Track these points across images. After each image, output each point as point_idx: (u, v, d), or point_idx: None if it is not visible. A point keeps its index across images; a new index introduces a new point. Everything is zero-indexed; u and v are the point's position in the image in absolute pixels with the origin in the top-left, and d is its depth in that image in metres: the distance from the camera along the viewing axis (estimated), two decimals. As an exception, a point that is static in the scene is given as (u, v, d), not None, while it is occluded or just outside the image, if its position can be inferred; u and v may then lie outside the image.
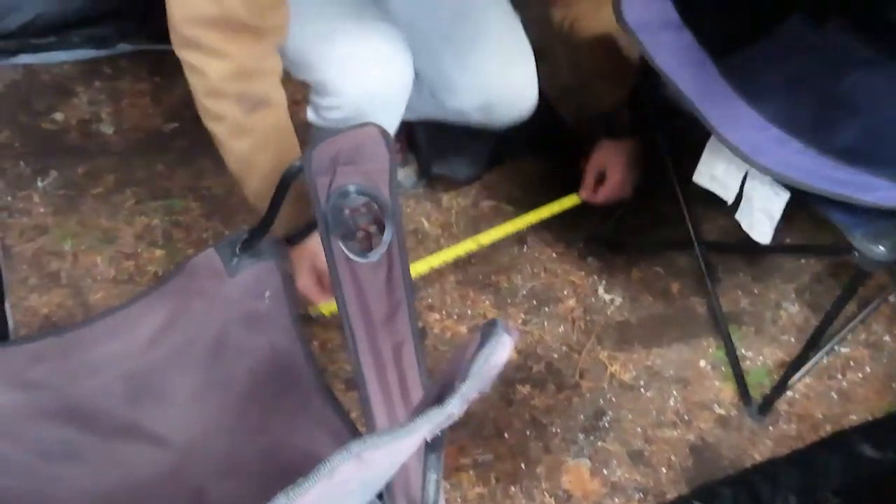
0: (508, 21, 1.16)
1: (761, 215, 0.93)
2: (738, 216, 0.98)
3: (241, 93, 0.86)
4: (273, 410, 0.76)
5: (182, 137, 1.46)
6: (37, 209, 1.32)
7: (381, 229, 0.77)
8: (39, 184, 1.37)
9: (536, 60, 1.17)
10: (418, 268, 1.21)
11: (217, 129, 0.90)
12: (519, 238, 1.33)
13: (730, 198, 0.98)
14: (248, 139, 0.90)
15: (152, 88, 1.57)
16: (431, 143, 1.38)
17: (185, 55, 0.85)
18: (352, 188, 0.78)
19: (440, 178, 1.43)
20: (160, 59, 1.56)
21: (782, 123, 0.94)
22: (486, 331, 0.44)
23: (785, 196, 0.90)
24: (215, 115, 0.88)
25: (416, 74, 1.08)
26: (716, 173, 0.99)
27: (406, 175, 1.43)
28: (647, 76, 0.99)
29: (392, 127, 1.08)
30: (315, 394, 0.75)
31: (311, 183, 0.76)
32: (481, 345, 0.44)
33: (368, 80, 0.99)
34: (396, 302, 0.71)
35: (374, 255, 0.75)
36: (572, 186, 1.28)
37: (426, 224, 1.38)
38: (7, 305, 1.11)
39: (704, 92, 0.92)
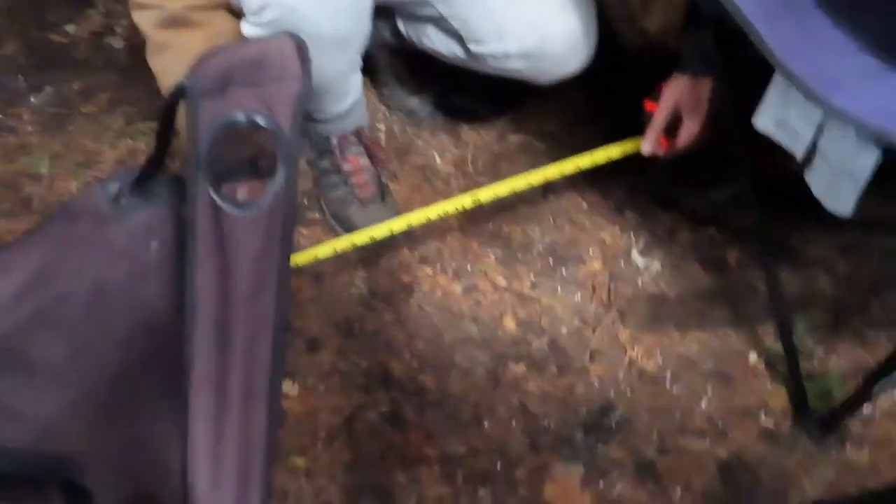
0: None
1: (840, 178, 0.65)
2: (807, 177, 0.70)
3: (159, 6, 0.84)
4: (141, 394, 0.62)
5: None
6: (24, 127, 1.24)
7: (271, 174, 0.59)
8: (32, 100, 1.28)
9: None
10: (377, 231, 0.89)
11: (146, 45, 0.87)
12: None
13: (799, 152, 0.70)
14: (163, 57, 0.85)
15: None
16: (452, 69, 1.15)
17: None
18: (241, 116, 0.60)
19: (461, 109, 1.21)
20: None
21: (885, 50, 0.64)
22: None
23: (873, 154, 0.62)
24: (140, 28, 0.86)
25: (444, 18, 1.01)
26: (785, 117, 0.71)
27: (420, 103, 1.21)
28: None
29: (353, 40, 0.88)
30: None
31: (191, 108, 0.58)
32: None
33: None
34: (266, 274, 0.54)
35: (254, 209, 0.57)
36: (623, 121, 1.00)
37: (438, 160, 1.18)
38: (-31, 232, 1.03)
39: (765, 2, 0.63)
